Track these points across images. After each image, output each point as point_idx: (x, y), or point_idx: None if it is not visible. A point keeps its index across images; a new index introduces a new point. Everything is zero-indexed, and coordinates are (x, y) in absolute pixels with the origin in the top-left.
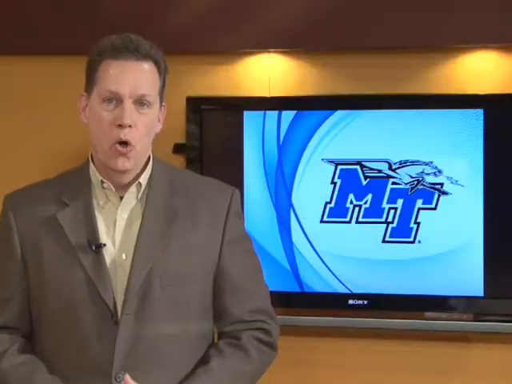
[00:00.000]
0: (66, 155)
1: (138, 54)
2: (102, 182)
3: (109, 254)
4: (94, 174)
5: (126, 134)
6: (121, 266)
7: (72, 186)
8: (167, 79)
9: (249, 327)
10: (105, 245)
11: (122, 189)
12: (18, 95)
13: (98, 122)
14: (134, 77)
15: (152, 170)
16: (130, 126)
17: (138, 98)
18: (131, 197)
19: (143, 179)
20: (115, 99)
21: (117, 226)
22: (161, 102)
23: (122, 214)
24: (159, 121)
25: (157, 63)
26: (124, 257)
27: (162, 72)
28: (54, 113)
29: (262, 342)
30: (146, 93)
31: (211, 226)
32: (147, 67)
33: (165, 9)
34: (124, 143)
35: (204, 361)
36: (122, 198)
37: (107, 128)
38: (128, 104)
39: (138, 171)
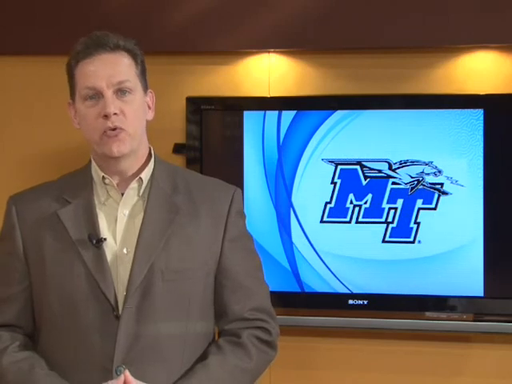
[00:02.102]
0: (66, 155)
1: (107, 47)
2: (103, 178)
3: (110, 248)
4: (96, 172)
5: (113, 122)
6: (122, 261)
7: (73, 185)
8: (162, 75)
9: (249, 325)
10: (105, 239)
11: (123, 185)
12: (18, 95)
13: (85, 119)
14: (108, 67)
15: (154, 167)
16: (115, 114)
17: (117, 86)
18: (132, 193)
19: (144, 175)
20: (95, 94)
21: (118, 221)
22: (145, 88)
23: (123, 210)
24: (149, 108)
25: (129, 52)
26: (125, 251)
27: (139, 59)
28: (54, 113)
29: (261, 340)
30: (123, 79)
31: (213, 223)
32: (120, 57)
33: (165, 9)
34: (113, 129)
35: (203, 358)
36: (123, 194)
37: (94, 121)
38: (109, 95)
39: (139, 166)
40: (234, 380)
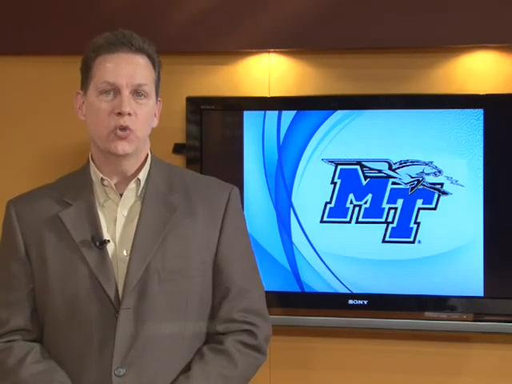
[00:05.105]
0: (66, 155)
1: (132, 46)
2: (102, 179)
3: (110, 250)
4: (95, 173)
5: (125, 121)
6: (122, 262)
7: (74, 187)
8: (162, 75)
9: (235, 329)
10: (109, 241)
11: (121, 186)
12: (18, 95)
13: (96, 112)
14: (130, 68)
15: (150, 167)
16: (129, 114)
17: (135, 88)
18: (130, 194)
19: (142, 175)
20: (113, 90)
21: (117, 222)
22: (156, 95)
23: (122, 211)
24: (155, 116)
25: (150, 57)
26: (125, 253)
27: (156, 66)
28: (54, 113)
29: (246, 345)
30: (142, 82)
31: (209, 222)
32: (142, 60)
33: (165, 9)
34: (123, 128)
35: (187, 368)
36: (121, 195)
37: (106, 117)
38: (126, 93)
39: (137, 167)
40: None
